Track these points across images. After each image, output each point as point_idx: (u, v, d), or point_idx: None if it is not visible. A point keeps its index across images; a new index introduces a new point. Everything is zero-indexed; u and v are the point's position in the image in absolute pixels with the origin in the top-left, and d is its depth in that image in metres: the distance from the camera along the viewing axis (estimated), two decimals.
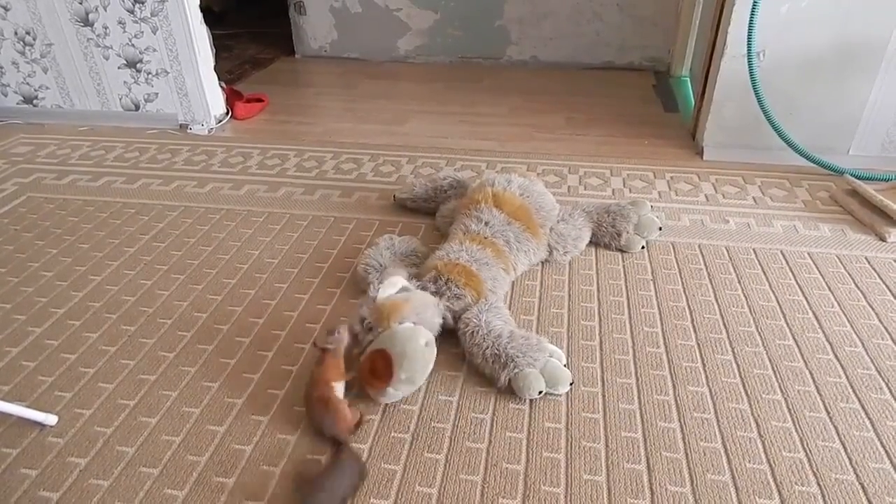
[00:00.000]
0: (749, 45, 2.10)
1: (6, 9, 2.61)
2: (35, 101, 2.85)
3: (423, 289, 1.46)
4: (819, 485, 1.12)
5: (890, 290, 1.64)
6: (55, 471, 1.17)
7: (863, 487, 1.11)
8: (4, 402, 1.24)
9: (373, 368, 1.24)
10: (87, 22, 2.60)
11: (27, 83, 2.80)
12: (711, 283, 1.67)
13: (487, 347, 1.34)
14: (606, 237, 1.82)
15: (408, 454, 1.20)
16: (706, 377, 1.36)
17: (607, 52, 3.53)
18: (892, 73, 2.14)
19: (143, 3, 2.51)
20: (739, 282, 1.68)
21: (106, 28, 2.60)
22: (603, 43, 3.51)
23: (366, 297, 1.40)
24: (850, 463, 1.16)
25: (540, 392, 1.28)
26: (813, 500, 1.09)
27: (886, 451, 1.18)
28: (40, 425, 1.26)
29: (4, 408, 1.23)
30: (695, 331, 1.50)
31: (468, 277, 1.49)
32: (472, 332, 1.38)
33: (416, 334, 1.27)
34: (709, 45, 2.44)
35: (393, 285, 1.38)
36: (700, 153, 2.44)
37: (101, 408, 1.31)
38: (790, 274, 1.71)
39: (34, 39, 2.68)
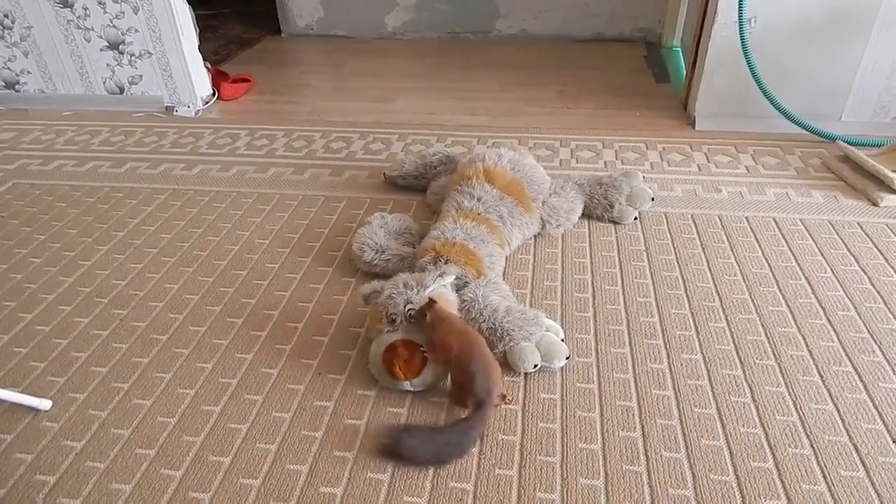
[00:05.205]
0: (740, 12, 2.07)
1: None
2: (17, 87, 2.80)
3: (423, 270, 1.45)
4: (812, 447, 1.13)
5: (882, 255, 1.64)
6: (51, 455, 1.17)
7: (856, 448, 1.12)
8: None
9: (409, 360, 1.22)
10: (66, 3, 2.54)
11: (8, 68, 2.75)
12: (704, 253, 1.67)
13: (483, 321, 1.34)
14: (599, 209, 1.81)
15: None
16: (700, 345, 1.37)
17: (597, 23, 3.48)
18: (883, 37, 2.12)
19: None
20: (732, 250, 1.68)
21: (86, 9, 2.54)
22: (593, 14, 3.46)
23: (411, 280, 1.32)
24: (843, 424, 1.17)
25: (535, 366, 1.28)
26: (807, 462, 1.10)
27: (879, 413, 1.19)
28: (34, 410, 1.25)
29: None
30: (688, 300, 1.50)
31: (467, 257, 1.48)
32: (469, 307, 1.37)
33: None
34: (699, 13, 2.41)
35: (447, 279, 1.34)
36: (692, 123, 2.42)
37: (95, 391, 1.30)
38: (783, 241, 1.71)
39: (13, 23, 2.62)
